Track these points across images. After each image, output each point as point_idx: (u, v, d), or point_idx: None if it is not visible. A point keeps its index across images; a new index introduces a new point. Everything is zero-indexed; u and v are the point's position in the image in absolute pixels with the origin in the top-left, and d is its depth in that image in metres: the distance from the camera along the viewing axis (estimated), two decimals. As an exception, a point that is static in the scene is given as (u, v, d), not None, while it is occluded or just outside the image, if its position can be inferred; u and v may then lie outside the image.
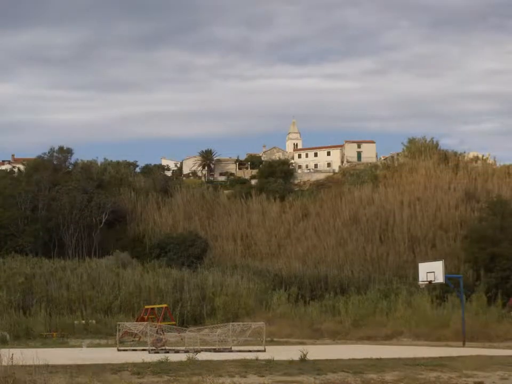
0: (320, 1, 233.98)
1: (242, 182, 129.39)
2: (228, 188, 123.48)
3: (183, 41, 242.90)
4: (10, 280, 63.79)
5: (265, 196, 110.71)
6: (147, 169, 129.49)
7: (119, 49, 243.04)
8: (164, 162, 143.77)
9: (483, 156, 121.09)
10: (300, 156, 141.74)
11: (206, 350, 32.38)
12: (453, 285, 43.52)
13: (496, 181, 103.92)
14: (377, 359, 24.19)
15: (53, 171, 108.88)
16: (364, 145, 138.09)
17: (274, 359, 23.01)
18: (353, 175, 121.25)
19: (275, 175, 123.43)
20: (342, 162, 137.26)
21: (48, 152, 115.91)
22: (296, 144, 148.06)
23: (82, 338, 46.83)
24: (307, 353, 23.48)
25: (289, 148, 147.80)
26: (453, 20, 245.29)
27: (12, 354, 16.99)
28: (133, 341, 43.10)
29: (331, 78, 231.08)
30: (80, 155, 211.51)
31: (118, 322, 40.56)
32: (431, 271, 39.66)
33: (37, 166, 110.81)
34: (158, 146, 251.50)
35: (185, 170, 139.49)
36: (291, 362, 22.54)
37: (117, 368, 20.06)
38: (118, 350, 35.00)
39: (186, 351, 29.49)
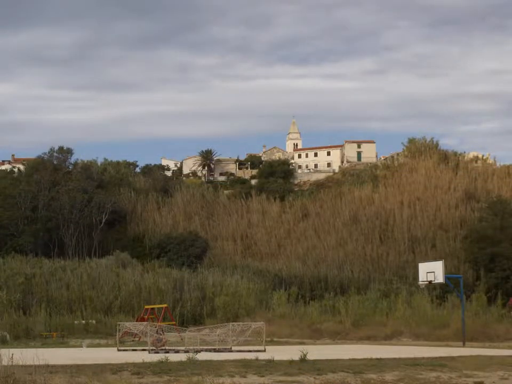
0: (320, 1, 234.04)
1: (242, 182, 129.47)
2: (227, 188, 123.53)
3: (183, 41, 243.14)
4: (10, 280, 63.74)
5: (265, 196, 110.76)
6: (147, 169, 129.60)
7: (119, 49, 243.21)
8: (164, 162, 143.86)
9: (483, 156, 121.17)
10: (300, 156, 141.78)
11: (206, 350, 32.38)
12: (453, 285, 43.51)
13: (496, 181, 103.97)
14: (377, 359, 24.19)
15: (53, 171, 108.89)
16: (363, 145, 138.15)
17: (274, 359, 23.01)
18: (353, 175, 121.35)
19: (275, 175, 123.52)
20: (342, 162, 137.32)
21: (48, 152, 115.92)
22: (296, 144, 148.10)
23: (82, 338, 46.78)
24: (307, 353, 23.48)
25: (289, 148, 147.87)
26: (453, 20, 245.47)
27: (12, 354, 16.99)
28: (133, 341, 43.10)
29: (331, 78, 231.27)
30: (80, 155, 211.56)
31: (118, 322, 40.54)
32: (431, 271, 39.65)
33: (37, 166, 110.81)
34: (158, 146, 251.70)
35: (185, 170, 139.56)
36: (291, 362, 22.54)
37: (117, 368, 20.06)
38: (118, 350, 34.98)
39: (186, 351, 29.47)
